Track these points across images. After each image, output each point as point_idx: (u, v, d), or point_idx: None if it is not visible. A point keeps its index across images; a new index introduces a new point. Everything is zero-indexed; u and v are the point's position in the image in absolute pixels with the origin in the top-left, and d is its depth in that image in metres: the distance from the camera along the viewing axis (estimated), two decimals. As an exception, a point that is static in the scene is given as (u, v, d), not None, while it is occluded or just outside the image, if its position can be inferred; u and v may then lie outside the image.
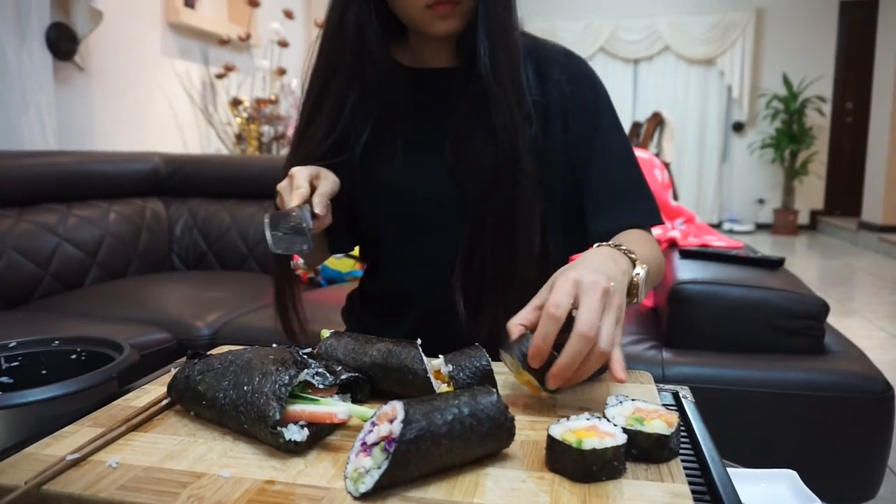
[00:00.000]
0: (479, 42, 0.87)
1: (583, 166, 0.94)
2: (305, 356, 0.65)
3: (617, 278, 0.68)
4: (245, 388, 0.61)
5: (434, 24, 0.86)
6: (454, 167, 0.91)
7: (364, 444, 0.55)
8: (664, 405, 0.69)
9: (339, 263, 2.25)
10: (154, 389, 0.75)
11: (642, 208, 0.95)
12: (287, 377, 0.60)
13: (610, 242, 0.77)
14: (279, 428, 0.57)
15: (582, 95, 0.94)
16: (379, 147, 0.95)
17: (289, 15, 3.62)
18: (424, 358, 0.69)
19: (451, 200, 0.91)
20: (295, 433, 0.58)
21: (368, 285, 1.08)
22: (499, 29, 0.87)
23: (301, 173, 0.81)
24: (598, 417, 0.59)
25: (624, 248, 0.76)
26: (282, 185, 0.83)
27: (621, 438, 0.55)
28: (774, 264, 1.62)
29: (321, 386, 0.62)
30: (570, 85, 0.94)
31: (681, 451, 0.59)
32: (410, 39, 0.97)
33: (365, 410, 0.60)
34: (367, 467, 0.52)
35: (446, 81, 0.94)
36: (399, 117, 0.94)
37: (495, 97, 0.87)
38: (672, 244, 1.91)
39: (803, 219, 7.71)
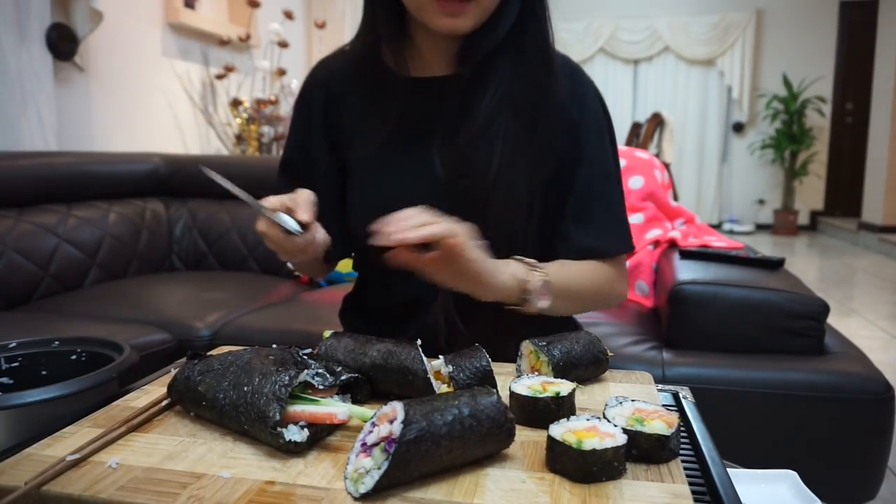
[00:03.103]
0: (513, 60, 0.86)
1: (566, 186, 0.92)
2: (305, 357, 0.65)
3: (479, 262, 0.75)
4: (245, 388, 0.61)
5: (439, 19, 0.81)
6: (446, 182, 0.88)
7: (364, 444, 0.55)
8: (664, 406, 0.69)
9: (340, 264, 2.24)
10: (154, 390, 0.75)
11: (608, 236, 0.94)
12: (287, 378, 0.60)
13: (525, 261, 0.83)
14: (279, 428, 0.57)
15: (573, 114, 0.92)
16: (371, 158, 0.92)
17: (289, 15, 3.62)
18: (424, 359, 0.69)
19: (439, 204, 0.88)
20: (295, 434, 0.58)
21: (361, 293, 1.06)
22: (537, 47, 0.87)
23: (273, 199, 0.81)
24: (598, 418, 0.59)
25: (527, 259, 0.82)
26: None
27: (621, 439, 0.55)
28: (774, 265, 1.62)
29: (321, 387, 0.62)
30: (572, 101, 0.92)
31: (681, 452, 0.59)
32: (415, 39, 0.92)
33: (365, 411, 0.60)
34: (367, 468, 0.52)
35: (444, 92, 0.90)
36: (393, 128, 0.90)
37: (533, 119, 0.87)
38: (672, 244, 1.91)
39: (803, 219, 7.71)
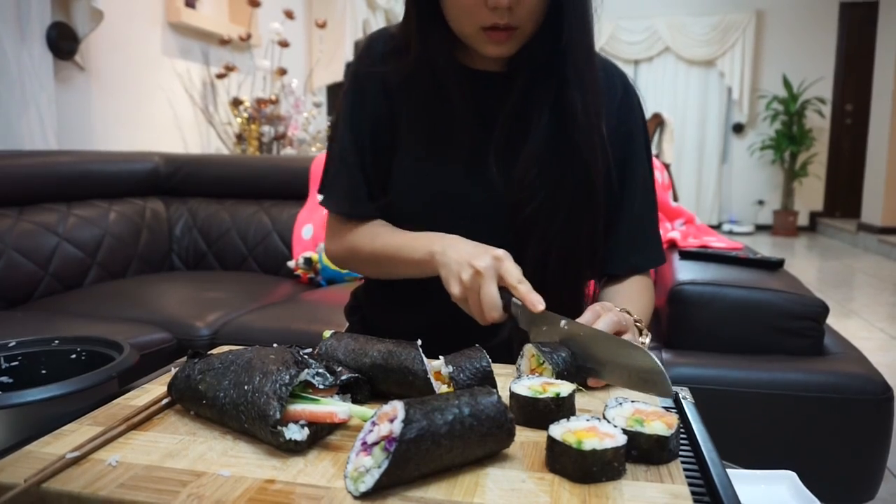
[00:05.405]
0: (567, 71, 0.87)
1: (615, 195, 0.96)
2: (306, 356, 0.65)
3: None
4: (245, 387, 0.61)
5: (487, 47, 0.86)
6: (509, 200, 0.91)
7: (364, 443, 0.55)
8: (664, 406, 0.69)
9: (339, 264, 2.24)
10: (154, 389, 0.75)
11: (653, 252, 1.02)
12: (287, 377, 0.60)
13: (632, 316, 0.86)
14: (279, 427, 0.58)
15: (626, 125, 0.97)
16: (426, 140, 0.94)
17: (289, 15, 3.62)
18: (424, 359, 0.69)
19: (491, 208, 0.91)
20: (295, 432, 0.58)
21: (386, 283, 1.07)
22: (583, 59, 0.88)
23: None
24: (598, 418, 0.59)
25: (635, 318, 0.86)
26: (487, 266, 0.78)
27: (621, 439, 0.55)
28: (774, 265, 1.62)
29: (321, 386, 0.62)
30: (624, 111, 0.97)
31: (680, 453, 0.59)
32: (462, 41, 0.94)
33: (365, 410, 0.60)
34: (368, 467, 0.52)
35: (498, 90, 0.93)
36: (447, 112, 0.92)
37: (580, 131, 0.89)
38: (672, 245, 1.91)
39: (803, 220, 7.72)
